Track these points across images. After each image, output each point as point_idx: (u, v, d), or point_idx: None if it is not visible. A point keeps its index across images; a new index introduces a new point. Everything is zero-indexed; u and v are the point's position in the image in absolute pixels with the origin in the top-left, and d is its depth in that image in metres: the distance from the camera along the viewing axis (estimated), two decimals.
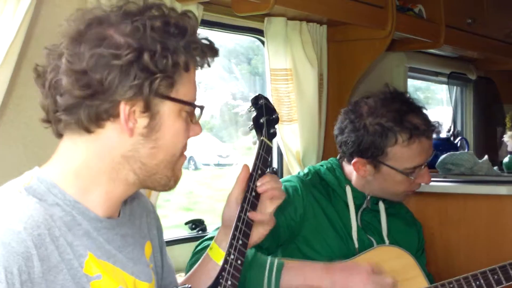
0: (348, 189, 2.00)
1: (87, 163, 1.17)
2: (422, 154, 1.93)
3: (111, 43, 1.12)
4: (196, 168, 4.64)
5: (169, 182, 1.23)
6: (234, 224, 1.40)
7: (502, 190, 2.27)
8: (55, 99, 1.14)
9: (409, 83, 3.75)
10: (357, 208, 2.00)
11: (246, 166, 1.47)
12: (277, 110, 2.44)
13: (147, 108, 1.15)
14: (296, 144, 2.53)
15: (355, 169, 1.97)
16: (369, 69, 2.82)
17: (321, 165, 2.08)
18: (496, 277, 1.90)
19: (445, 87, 3.90)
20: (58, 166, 1.18)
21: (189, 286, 1.26)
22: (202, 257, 1.51)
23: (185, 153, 1.25)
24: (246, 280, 1.72)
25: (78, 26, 1.15)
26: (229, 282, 1.32)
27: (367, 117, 1.92)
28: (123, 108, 1.13)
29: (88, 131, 1.15)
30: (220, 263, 1.40)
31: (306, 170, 2.07)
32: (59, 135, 1.20)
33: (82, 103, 1.13)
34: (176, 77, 1.16)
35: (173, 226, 2.56)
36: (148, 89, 1.13)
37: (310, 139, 2.54)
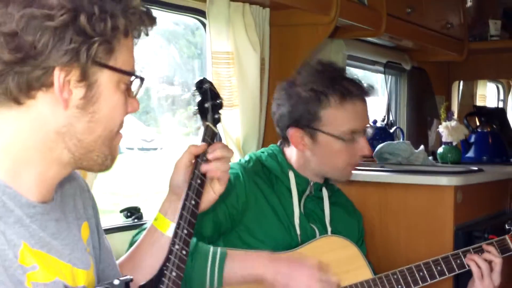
0: (291, 174, 1.95)
1: (16, 140, 1.07)
2: (357, 118, 1.90)
3: (43, 2, 1.02)
4: (119, 152, 4.51)
5: (106, 160, 1.15)
6: (179, 212, 1.34)
7: (443, 180, 2.28)
8: None
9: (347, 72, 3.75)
10: (300, 195, 1.96)
11: (205, 144, 1.43)
12: None
13: (84, 77, 1.06)
14: (237, 130, 2.46)
15: (293, 142, 1.93)
16: (310, 55, 2.77)
17: (262, 152, 2.03)
18: (439, 268, 1.90)
19: (381, 76, 3.92)
20: None
21: (131, 278, 1.17)
22: (146, 229, 1.45)
23: (122, 131, 1.18)
24: (188, 270, 1.65)
25: None
26: (174, 273, 1.26)
27: (301, 85, 1.90)
28: (58, 76, 1.04)
29: (18, 102, 1.05)
30: (167, 233, 1.37)
31: (247, 158, 2.02)
32: None
33: (10, 70, 1.03)
34: (115, 43, 1.08)
35: (105, 212, 2.45)
36: (85, 54, 1.04)
37: (251, 126, 2.47)
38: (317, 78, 1.90)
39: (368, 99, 1.98)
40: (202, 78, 1.47)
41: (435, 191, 2.29)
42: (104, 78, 1.09)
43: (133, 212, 2.20)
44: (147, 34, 1.15)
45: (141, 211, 2.23)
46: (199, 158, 1.39)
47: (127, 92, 1.15)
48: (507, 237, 1.99)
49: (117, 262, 1.43)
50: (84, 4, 1.05)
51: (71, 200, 1.24)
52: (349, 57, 3.37)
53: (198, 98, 1.46)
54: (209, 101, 1.44)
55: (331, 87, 1.87)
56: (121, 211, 2.21)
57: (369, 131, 1.99)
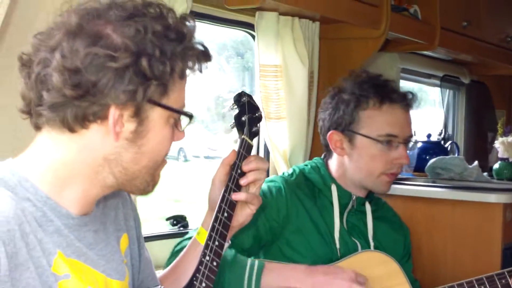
0: (333, 188, 1.95)
1: (65, 162, 1.12)
2: (395, 124, 1.90)
3: (108, 42, 1.07)
4: (186, 160, 4.60)
5: (148, 187, 1.19)
6: (210, 225, 1.36)
7: (491, 198, 2.23)
8: (41, 93, 1.08)
9: (402, 85, 3.71)
10: (342, 208, 1.96)
11: (234, 150, 1.45)
12: (265, 107, 2.45)
13: (137, 114, 1.10)
14: (284, 143, 2.48)
15: (331, 146, 1.94)
16: (361, 68, 2.76)
17: (306, 165, 2.04)
18: (483, 287, 1.86)
19: (437, 89, 3.86)
20: (33, 160, 1.13)
21: (162, 287, 1.21)
22: (189, 243, 1.47)
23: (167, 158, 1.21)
24: (226, 281, 1.68)
25: (75, 19, 1.09)
26: (204, 284, 1.28)
27: (343, 91, 1.93)
28: (113, 113, 1.08)
29: (72, 130, 1.10)
30: None
31: (290, 171, 2.03)
32: (38, 128, 1.14)
33: (70, 103, 1.07)
34: (170, 84, 1.12)
35: (159, 218, 2.51)
36: (142, 95, 1.08)
37: (298, 138, 2.48)
38: (361, 84, 1.92)
39: (413, 111, 1.97)
40: (240, 91, 1.49)
41: (483, 208, 2.24)
42: (156, 115, 1.13)
43: (179, 221, 2.25)
44: (201, 72, 1.19)
45: (187, 219, 2.28)
46: (233, 170, 1.41)
47: (176, 123, 1.18)
48: None
49: (161, 274, 1.47)
50: (147, 47, 1.07)
51: (113, 212, 1.28)
52: (403, 71, 3.35)
53: (236, 112, 1.47)
54: (246, 115, 1.45)
55: (372, 91, 1.89)
56: (167, 219, 2.26)
57: (412, 144, 1.97)
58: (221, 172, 1.45)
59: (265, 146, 2.59)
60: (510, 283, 1.87)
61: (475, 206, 2.26)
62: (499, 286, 1.88)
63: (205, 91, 2.96)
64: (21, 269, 1.04)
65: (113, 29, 1.08)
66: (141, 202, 1.89)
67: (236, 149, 1.46)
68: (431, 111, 4.19)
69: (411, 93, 1.96)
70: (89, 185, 1.14)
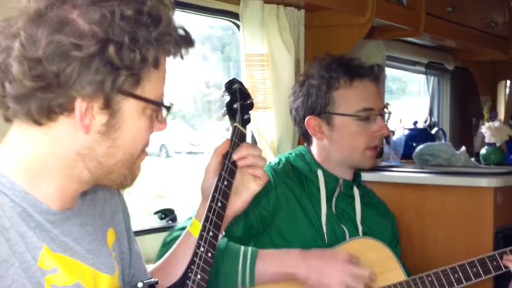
0: (320, 173, 1.95)
1: (37, 156, 1.07)
2: (369, 97, 1.93)
3: (73, 30, 0.99)
4: (167, 156, 4.57)
5: (126, 181, 1.14)
6: (204, 215, 1.33)
7: (482, 182, 2.23)
8: (3, 84, 1.03)
9: (387, 73, 3.70)
10: (330, 194, 1.95)
11: (227, 139, 1.42)
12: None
13: (107, 105, 1.04)
14: (271, 132, 2.46)
15: (311, 132, 1.95)
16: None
17: (290, 153, 2.04)
18: (475, 270, 1.86)
19: (422, 77, 3.86)
20: (7, 154, 1.08)
21: (155, 280, 1.18)
22: (183, 234, 1.44)
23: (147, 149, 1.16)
24: (220, 269, 1.66)
25: (38, 4, 1.01)
26: (199, 276, 1.25)
27: (311, 79, 1.96)
28: (79, 105, 1.02)
29: (39, 123, 1.04)
30: None
31: (276, 160, 2.03)
32: (8, 120, 1.09)
33: (33, 94, 1.01)
34: (143, 74, 1.05)
35: (145, 214, 2.47)
36: (110, 86, 1.01)
37: (285, 128, 2.46)
38: (328, 66, 1.94)
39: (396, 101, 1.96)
40: (232, 78, 1.46)
41: (474, 192, 2.24)
42: (129, 107, 1.06)
43: (167, 214, 2.22)
44: (182, 58, 1.12)
45: (175, 212, 2.25)
46: (226, 160, 1.39)
47: (156, 114, 1.12)
48: None
49: (153, 267, 1.44)
50: (116, 33, 1.00)
51: (100, 205, 1.24)
52: (388, 58, 3.33)
53: (228, 99, 1.45)
54: (238, 102, 1.42)
55: (340, 71, 1.92)
56: (155, 213, 2.23)
57: (387, 115, 2.00)
58: (214, 161, 1.42)
59: (252, 136, 2.56)
60: (501, 264, 1.87)
61: (466, 191, 2.25)
62: (491, 268, 1.87)
63: (187, 85, 2.93)
64: (5, 265, 1.00)
65: (79, 14, 1.00)
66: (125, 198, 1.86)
67: (229, 137, 1.43)
68: (414, 100, 4.19)
69: (377, 65, 1.99)
70: (64, 180, 1.09)
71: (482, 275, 1.86)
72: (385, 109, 1.99)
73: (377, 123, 1.93)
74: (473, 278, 1.85)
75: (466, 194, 2.25)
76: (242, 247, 1.71)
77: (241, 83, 1.45)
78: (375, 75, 1.95)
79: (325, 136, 1.95)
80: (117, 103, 1.05)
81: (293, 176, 1.95)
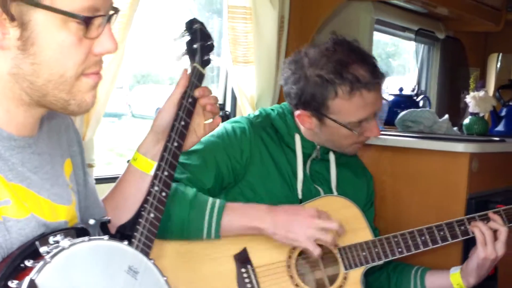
0: (297, 138, 1.91)
1: None
2: (366, 108, 1.81)
3: None
4: (133, 116, 4.53)
5: (69, 106, 1.10)
6: (160, 155, 1.32)
7: (458, 147, 2.21)
8: None
9: (377, 39, 3.66)
10: (306, 157, 1.93)
11: (189, 74, 1.39)
12: (232, 51, 2.38)
13: (13, 17, 1.01)
14: (251, 88, 2.43)
15: (300, 121, 1.89)
16: (333, 15, 2.71)
17: (272, 109, 1.99)
18: (442, 233, 1.85)
19: (412, 44, 3.81)
20: None
21: (108, 219, 1.16)
22: (125, 169, 1.43)
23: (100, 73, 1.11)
24: (187, 218, 1.66)
25: None
26: (152, 215, 1.25)
27: (308, 68, 1.81)
28: None
29: None
30: (151, 172, 1.33)
31: (257, 112, 1.99)
32: None
33: None
34: None
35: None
36: None
37: (266, 84, 2.43)
38: (326, 61, 1.79)
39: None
40: (192, 18, 1.43)
41: (450, 157, 2.22)
42: (40, 18, 1.02)
43: None
44: None
45: None
46: (184, 99, 1.36)
47: (86, 30, 1.07)
48: None
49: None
50: None
51: (56, 135, 1.23)
52: (378, 22, 3.29)
53: (188, 39, 1.42)
54: (198, 42, 1.40)
55: (339, 76, 1.77)
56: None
57: (384, 104, 1.92)
58: (176, 94, 1.39)
59: (232, 91, 2.53)
60: (469, 229, 1.86)
61: (441, 156, 2.23)
62: (458, 232, 1.87)
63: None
64: None
65: None
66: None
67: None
68: (405, 66, 4.15)
69: (381, 73, 1.84)
70: (11, 104, 1.08)
71: (449, 239, 1.86)
72: (378, 108, 1.88)
73: (370, 129, 1.86)
74: (439, 242, 1.85)
75: (442, 158, 2.23)
76: (211, 199, 1.70)
77: (202, 24, 1.42)
78: (377, 83, 1.82)
79: (313, 127, 1.88)
80: (24, 14, 1.02)
81: (271, 132, 1.92)
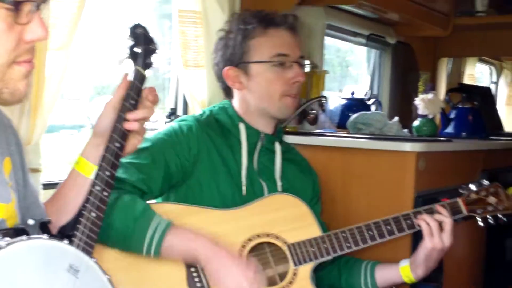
0: (241, 126, 1.96)
1: None
2: (283, 44, 1.93)
3: None
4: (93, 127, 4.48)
5: (1, 94, 1.10)
6: (101, 155, 1.33)
7: (405, 146, 2.25)
8: None
9: (331, 44, 3.71)
10: (252, 148, 1.96)
11: (131, 78, 1.39)
12: (183, 55, 2.39)
13: None
14: (202, 92, 2.44)
15: (229, 83, 1.96)
16: None
17: (213, 106, 2.05)
18: (389, 227, 1.89)
19: (365, 49, 3.88)
20: None
21: (48, 219, 1.16)
22: (68, 173, 1.42)
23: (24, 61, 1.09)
24: (130, 233, 1.65)
25: None
26: (94, 214, 1.25)
27: (228, 33, 1.97)
28: None
29: None
30: (90, 177, 1.33)
31: (201, 111, 2.03)
32: None
33: None
34: None
35: None
36: None
37: (217, 88, 2.39)
38: (244, 18, 1.96)
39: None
40: (136, 23, 1.44)
41: (397, 157, 2.26)
42: None
43: None
44: None
45: None
46: (126, 101, 1.37)
47: (15, 15, 1.05)
48: (459, 200, 1.97)
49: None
50: None
51: None
52: (329, 27, 3.34)
53: (131, 43, 1.43)
54: (141, 46, 1.41)
55: (255, 21, 1.93)
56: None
57: (305, 64, 2.03)
58: (117, 97, 1.39)
59: (184, 97, 2.54)
60: (415, 223, 1.91)
61: (389, 155, 2.27)
62: (404, 226, 1.91)
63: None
64: None
65: None
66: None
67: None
68: (359, 72, 4.22)
69: (292, 15, 1.99)
70: None
71: (396, 232, 1.89)
72: (303, 58, 1.99)
73: (292, 70, 1.94)
74: (386, 235, 1.89)
75: (390, 158, 2.27)
76: (157, 217, 1.67)
77: (145, 29, 1.44)
78: (290, 24, 1.96)
79: (243, 87, 1.95)
80: None
81: (216, 128, 1.95)
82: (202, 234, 1.70)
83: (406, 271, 1.94)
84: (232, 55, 1.94)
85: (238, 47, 1.93)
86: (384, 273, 1.99)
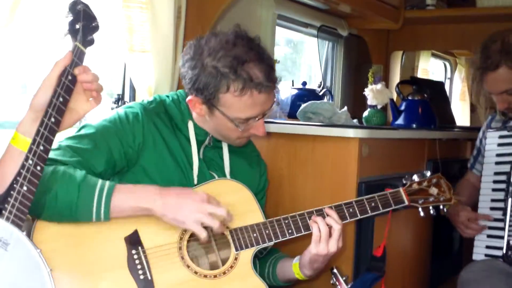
0: (190, 125, 1.94)
1: None
2: (255, 107, 1.83)
3: None
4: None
5: None
6: (36, 129, 1.31)
7: (348, 132, 2.28)
8: None
9: (283, 36, 3.72)
10: (199, 144, 1.96)
11: (70, 52, 1.39)
12: (128, 39, 2.38)
13: None
14: (149, 77, 2.42)
15: (191, 106, 1.91)
16: (231, 8, 2.74)
17: (168, 96, 2.00)
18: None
19: (316, 40, 3.89)
20: None
21: None
22: (5, 149, 1.42)
23: None
24: (75, 201, 1.64)
25: None
26: (25, 188, 1.24)
27: (206, 57, 1.80)
28: None
29: None
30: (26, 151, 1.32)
31: (151, 98, 2.00)
32: None
33: None
34: None
35: None
36: None
37: (164, 73, 2.44)
38: (224, 54, 1.79)
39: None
40: (75, 0, 1.44)
41: (341, 143, 2.30)
42: None
43: None
44: None
45: None
46: (63, 77, 1.37)
47: None
48: (401, 189, 2.00)
49: None
50: None
51: None
52: (280, 17, 3.35)
53: (70, 19, 1.43)
54: (80, 22, 1.41)
55: (233, 72, 1.77)
56: None
57: (274, 107, 1.91)
58: (54, 74, 1.39)
59: (130, 81, 2.53)
60: (357, 211, 1.93)
61: (334, 141, 2.31)
62: (347, 214, 1.93)
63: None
64: None
65: None
66: None
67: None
68: (309, 62, 4.24)
69: (276, 76, 1.86)
70: None
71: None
72: (268, 109, 1.88)
73: (255, 127, 1.89)
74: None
75: (334, 144, 2.30)
76: (100, 181, 1.69)
77: (86, 5, 1.43)
78: (270, 87, 1.83)
79: (204, 114, 1.90)
80: None
81: (165, 118, 1.93)
82: (148, 185, 1.74)
83: (296, 268, 1.97)
84: (201, 91, 1.83)
85: (208, 90, 1.81)
86: (283, 268, 2.02)
